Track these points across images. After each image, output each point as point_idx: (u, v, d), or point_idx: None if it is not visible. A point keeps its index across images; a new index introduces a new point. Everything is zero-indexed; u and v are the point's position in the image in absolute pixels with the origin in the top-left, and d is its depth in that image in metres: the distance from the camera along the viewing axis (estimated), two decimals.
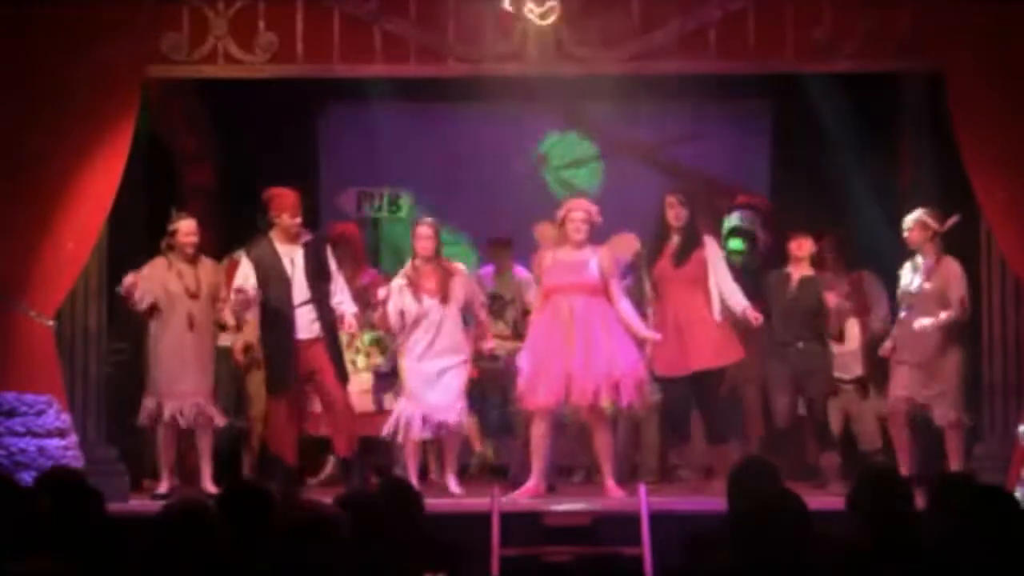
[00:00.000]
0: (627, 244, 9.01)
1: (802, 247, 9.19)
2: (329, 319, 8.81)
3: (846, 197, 10.57)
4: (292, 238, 8.82)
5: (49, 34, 8.62)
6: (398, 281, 8.98)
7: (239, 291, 8.73)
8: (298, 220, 8.83)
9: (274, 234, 8.85)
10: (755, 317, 8.81)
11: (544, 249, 8.97)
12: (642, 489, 7.93)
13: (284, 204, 8.82)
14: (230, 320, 9.20)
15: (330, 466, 9.71)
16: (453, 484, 8.90)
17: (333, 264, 8.93)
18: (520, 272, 9.94)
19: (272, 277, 8.78)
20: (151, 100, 9.25)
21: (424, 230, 8.96)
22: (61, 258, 8.58)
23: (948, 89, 8.66)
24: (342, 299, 8.88)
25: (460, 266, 9.18)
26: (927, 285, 8.75)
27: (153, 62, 8.78)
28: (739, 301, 8.85)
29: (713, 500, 7.90)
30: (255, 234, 9.00)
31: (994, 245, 8.80)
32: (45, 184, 8.55)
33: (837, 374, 9.40)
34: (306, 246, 8.84)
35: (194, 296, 8.95)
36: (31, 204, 8.54)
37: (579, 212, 8.83)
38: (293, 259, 8.81)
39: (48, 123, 8.55)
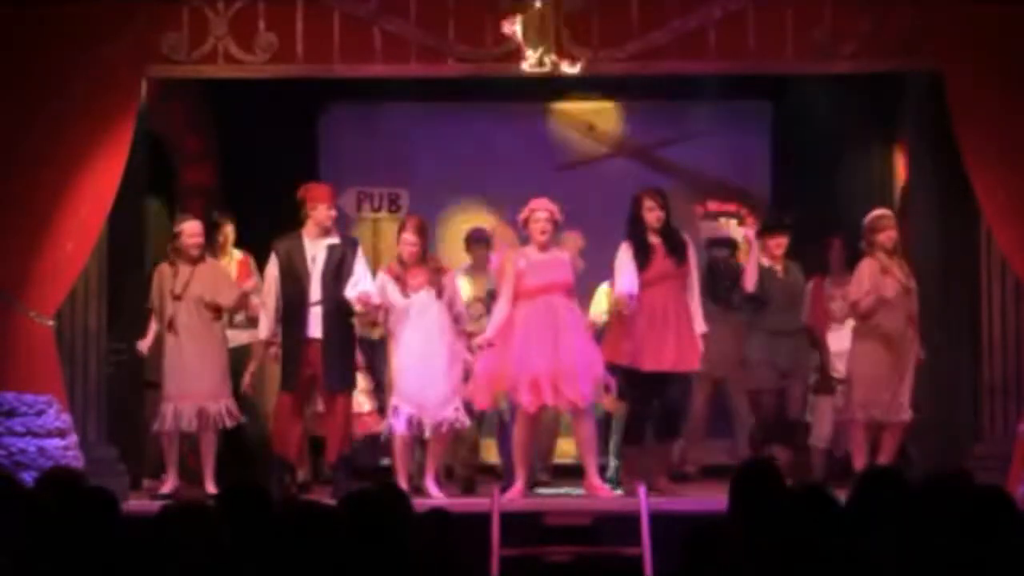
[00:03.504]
0: (573, 242, 9.03)
1: (780, 245, 9.26)
2: (338, 319, 8.79)
3: (845, 197, 10.58)
4: (323, 232, 8.83)
5: (49, 33, 8.61)
6: (382, 275, 8.91)
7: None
8: (334, 212, 8.87)
9: (305, 229, 8.86)
10: (700, 351, 8.89)
11: (508, 250, 8.91)
12: (642, 489, 7.93)
13: (320, 195, 8.86)
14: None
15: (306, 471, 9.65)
16: (432, 487, 8.75)
17: (363, 266, 8.86)
18: None
19: (293, 272, 8.82)
20: (151, 100, 9.25)
21: (408, 236, 8.83)
22: (61, 258, 8.57)
23: (948, 89, 8.66)
24: (360, 285, 8.76)
25: (446, 264, 9.13)
26: (912, 285, 8.81)
27: (153, 62, 8.77)
28: (699, 325, 8.90)
29: (713, 500, 7.91)
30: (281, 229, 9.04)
31: (994, 245, 8.80)
32: (45, 184, 8.54)
33: (836, 373, 9.41)
34: (331, 248, 8.84)
35: (176, 298, 8.93)
36: (31, 204, 8.53)
37: (543, 212, 8.80)
38: (316, 256, 8.81)
39: (48, 123, 8.54)
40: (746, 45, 8.70)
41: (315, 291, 8.78)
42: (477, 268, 9.65)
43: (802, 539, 4.27)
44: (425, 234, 8.96)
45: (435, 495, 8.66)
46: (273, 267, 8.90)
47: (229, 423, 8.99)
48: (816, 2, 8.67)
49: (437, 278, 8.83)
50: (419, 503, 5.40)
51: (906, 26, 8.62)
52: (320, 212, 8.83)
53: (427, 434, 8.83)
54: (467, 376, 8.91)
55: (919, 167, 9.77)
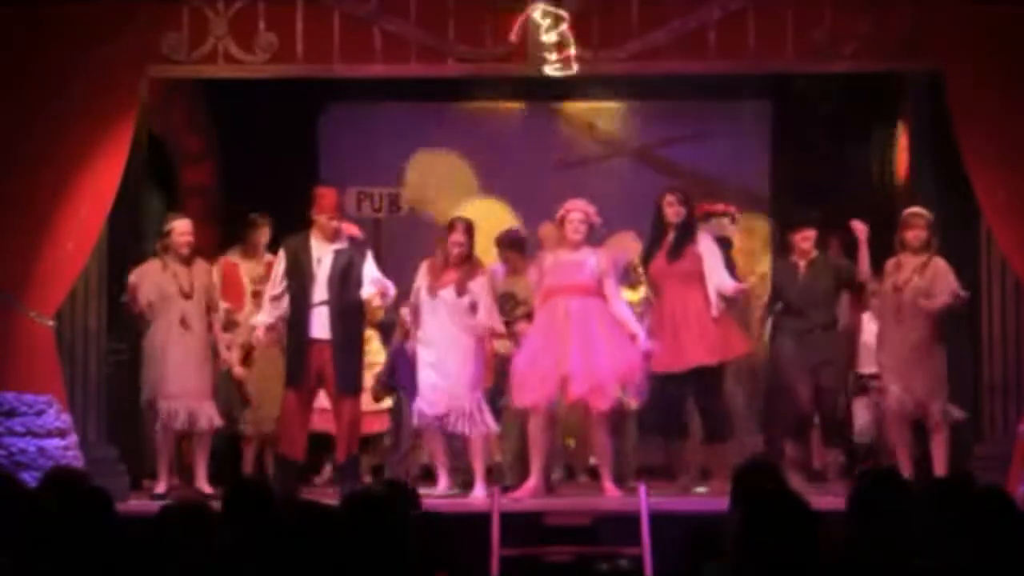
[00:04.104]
0: (626, 244, 9.01)
1: (807, 239, 9.16)
2: (344, 321, 8.78)
3: (845, 197, 10.58)
4: (329, 238, 8.82)
5: (49, 34, 8.61)
6: (424, 265, 8.93)
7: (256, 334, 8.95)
8: (334, 223, 8.81)
9: (313, 231, 8.85)
10: (742, 289, 8.93)
11: (544, 251, 8.97)
12: (642, 489, 7.93)
13: (323, 205, 8.82)
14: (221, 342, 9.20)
15: (328, 470, 9.72)
16: (479, 488, 8.74)
17: (374, 269, 8.83)
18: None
19: (298, 272, 8.80)
20: (151, 100, 9.25)
21: (457, 237, 8.83)
22: (61, 258, 8.57)
23: (948, 89, 8.66)
24: (367, 285, 8.77)
25: (486, 267, 9.09)
26: (919, 281, 8.76)
27: (153, 62, 8.77)
28: (729, 283, 8.88)
29: (713, 500, 7.91)
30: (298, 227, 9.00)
31: (994, 245, 8.80)
32: (45, 184, 8.54)
33: (867, 370, 9.37)
34: (338, 252, 8.81)
35: (187, 296, 8.93)
36: (31, 204, 8.53)
37: (577, 213, 8.81)
38: (321, 258, 8.80)
39: (48, 123, 8.54)
40: (746, 45, 8.70)
41: (319, 293, 8.77)
42: (510, 271, 9.64)
43: (802, 540, 4.27)
44: (473, 236, 8.95)
45: (479, 495, 8.64)
46: (280, 263, 8.92)
47: (216, 422, 9.02)
48: (816, 2, 8.67)
49: (466, 279, 8.81)
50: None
51: (906, 26, 8.62)
52: (321, 220, 8.83)
53: (449, 429, 8.81)
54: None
55: (919, 167, 9.77)
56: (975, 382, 9.03)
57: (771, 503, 4.20)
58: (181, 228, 9.03)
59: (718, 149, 11.60)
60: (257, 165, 10.82)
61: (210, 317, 9.05)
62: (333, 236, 8.83)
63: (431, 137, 11.62)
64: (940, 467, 8.64)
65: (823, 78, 9.89)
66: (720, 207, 10.33)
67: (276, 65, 8.80)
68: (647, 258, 9.02)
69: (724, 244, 10.07)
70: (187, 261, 9.01)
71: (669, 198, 9.02)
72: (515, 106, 11.66)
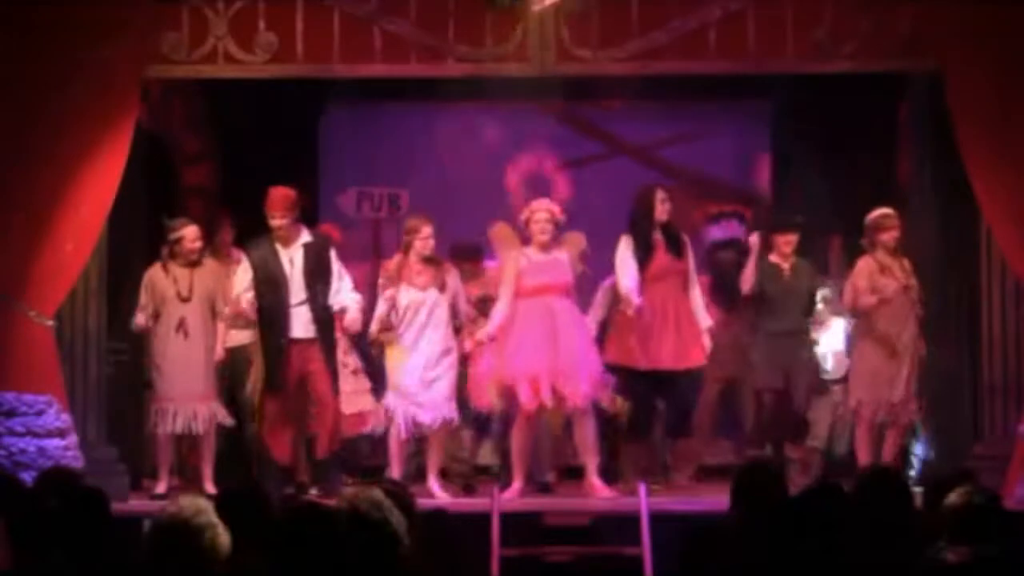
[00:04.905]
0: (576, 242, 9.03)
1: (789, 243, 9.23)
2: (325, 320, 8.77)
3: (845, 197, 10.58)
4: (285, 239, 8.78)
5: (49, 34, 8.60)
6: (382, 281, 8.92)
7: (234, 302, 8.83)
8: (279, 221, 8.72)
9: (274, 234, 8.83)
10: (705, 346, 8.91)
11: (510, 250, 8.91)
12: (642, 489, 7.93)
13: (270, 203, 8.75)
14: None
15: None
16: (436, 487, 8.74)
17: (337, 265, 8.85)
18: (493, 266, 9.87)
19: (269, 277, 8.75)
20: (151, 100, 9.24)
21: (429, 229, 8.86)
22: (61, 258, 8.57)
23: (948, 89, 8.66)
24: (343, 296, 8.77)
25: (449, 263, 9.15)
26: (913, 282, 8.82)
27: (153, 62, 8.77)
28: (703, 319, 8.91)
29: (713, 500, 7.91)
30: (258, 234, 8.95)
31: (994, 245, 8.80)
32: (45, 184, 8.54)
33: (826, 374, 9.42)
34: (307, 247, 8.81)
35: (185, 300, 8.93)
36: (31, 204, 8.54)
37: (543, 213, 8.82)
38: (292, 259, 8.78)
39: (48, 123, 8.54)
40: (746, 45, 8.71)
41: (297, 293, 8.74)
42: (465, 277, 9.60)
43: (802, 539, 4.27)
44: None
45: (439, 495, 8.65)
46: (247, 272, 8.84)
47: (227, 423, 9.00)
48: (816, 2, 8.67)
49: (441, 275, 8.84)
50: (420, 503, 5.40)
51: (906, 26, 8.62)
52: (271, 222, 8.75)
53: (425, 431, 8.81)
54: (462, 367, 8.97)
55: (919, 167, 9.76)
56: (975, 382, 9.04)
57: (771, 503, 4.21)
58: (192, 235, 9.02)
59: (718, 149, 11.60)
60: (257, 165, 10.81)
61: (212, 319, 9.02)
62: (288, 236, 8.77)
63: (431, 137, 11.61)
64: (889, 455, 8.77)
65: (823, 78, 9.88)
66: (730, 207, 10.36)
67: (276, 65, 8.80)
68: (645, 254, 8.97)
69: (734, 245, 10.09)
70: (192, 264, 8.99)
71: (661, 195, 9.03)
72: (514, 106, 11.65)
